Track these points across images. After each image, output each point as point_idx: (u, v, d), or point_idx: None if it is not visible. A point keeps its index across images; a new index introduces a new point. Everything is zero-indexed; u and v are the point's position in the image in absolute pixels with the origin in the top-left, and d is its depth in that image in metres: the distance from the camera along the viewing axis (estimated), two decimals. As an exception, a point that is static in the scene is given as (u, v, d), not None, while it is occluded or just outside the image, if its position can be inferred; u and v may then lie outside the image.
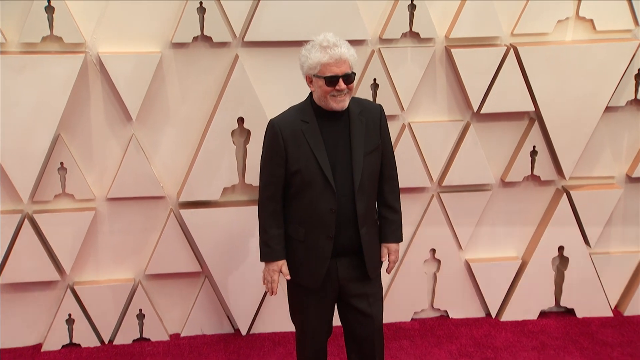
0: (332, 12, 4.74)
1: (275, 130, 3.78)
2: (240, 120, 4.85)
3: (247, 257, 4.99)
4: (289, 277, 3.88)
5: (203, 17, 4.68)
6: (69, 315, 4.99)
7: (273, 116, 3.90)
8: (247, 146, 4.89)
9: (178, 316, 5.19)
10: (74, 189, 4.82)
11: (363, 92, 4.90)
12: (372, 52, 4.89)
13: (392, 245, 3.98)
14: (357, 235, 3.79)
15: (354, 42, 4.70)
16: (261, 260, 3.91)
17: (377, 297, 3.95)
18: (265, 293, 5.11)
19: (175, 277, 5.10)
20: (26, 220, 4.79)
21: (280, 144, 3.76)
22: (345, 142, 3.75)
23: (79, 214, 4.82)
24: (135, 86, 4.68)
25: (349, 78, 3.67)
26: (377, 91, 4.91)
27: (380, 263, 3.98)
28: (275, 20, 4.72)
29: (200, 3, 4.66)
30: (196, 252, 5.04)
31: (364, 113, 3.80)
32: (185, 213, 4.92)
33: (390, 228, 3.96)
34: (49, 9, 4.55)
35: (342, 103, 3.70)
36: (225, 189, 4.96)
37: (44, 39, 4.59)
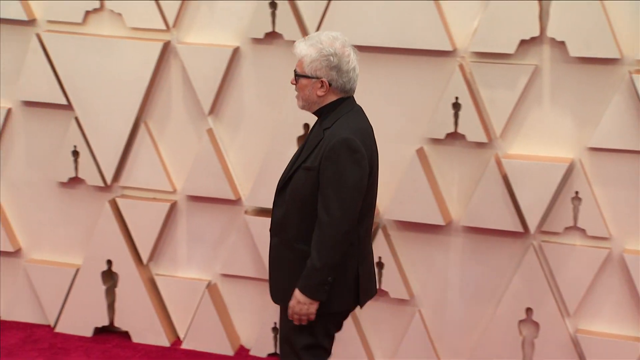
0: None
1: None
2: None
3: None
4: None
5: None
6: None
7: None
8: None
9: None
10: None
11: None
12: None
13: (295, 290, 3.22)
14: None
15: None
16: None
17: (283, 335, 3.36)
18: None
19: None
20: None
21: None
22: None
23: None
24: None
25: (295, 76, 3.28)
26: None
27: (288, 295, 3.25)
28: None
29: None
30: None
31: (328, 132, 3.22)
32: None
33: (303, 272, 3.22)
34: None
35: (297, 101, 3.32)
36: None
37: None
